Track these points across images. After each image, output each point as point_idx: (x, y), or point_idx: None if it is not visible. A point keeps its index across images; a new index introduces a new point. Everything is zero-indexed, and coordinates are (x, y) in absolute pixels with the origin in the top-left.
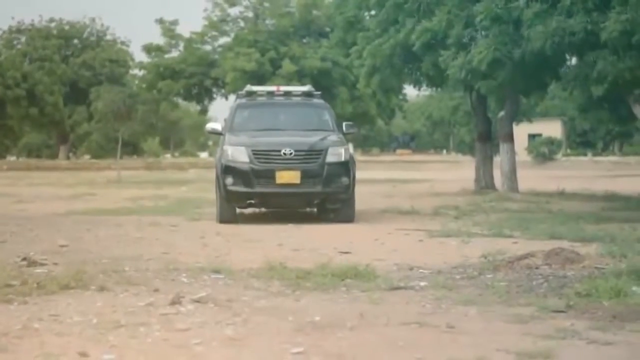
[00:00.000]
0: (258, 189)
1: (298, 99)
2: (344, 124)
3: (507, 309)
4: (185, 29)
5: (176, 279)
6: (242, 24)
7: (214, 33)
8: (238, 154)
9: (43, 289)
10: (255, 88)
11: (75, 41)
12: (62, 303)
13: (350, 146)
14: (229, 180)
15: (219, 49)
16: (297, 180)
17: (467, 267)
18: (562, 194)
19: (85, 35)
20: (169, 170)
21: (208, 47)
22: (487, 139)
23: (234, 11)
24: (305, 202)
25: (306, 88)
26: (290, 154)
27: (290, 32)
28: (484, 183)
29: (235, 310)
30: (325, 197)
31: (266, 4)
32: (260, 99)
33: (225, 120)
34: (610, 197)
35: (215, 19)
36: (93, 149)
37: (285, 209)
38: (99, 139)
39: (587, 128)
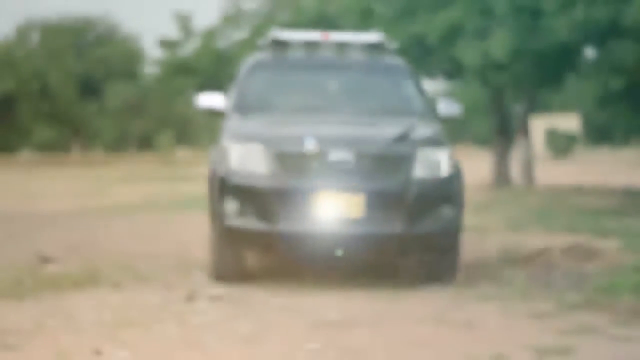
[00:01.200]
0: (283, 227)
1: (360, 56)
2: (440, 101)
3: (526, 304)
4: (199, 24)
5: (190, 276)
6: (256, 20)
7: (229, 28)
8: (248, 157)
9: (56, 286)
10: (286, 35)
11: (89, 36)
12: (75, 300)
13: None
14: (231, 207)
15: (234, 45)
16: (359, 212)
17: (485, 262)
18: (580, 189)
19: (98, 30)
20: (184, 166)
21: (223, 43)
22: (504, 133)
23: (248, 6)
24: (371, 253)
25: (375, 37)
26: (346, 161)
27: (305, 26)
28: (502, 177)
29: (250, 307)
30: (411, 244)
31: None
32: (294, 54)
33: (230, 89)
34: (630, 192)
35: (230, 14)
36: (106, 143)
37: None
38: (112, 134)
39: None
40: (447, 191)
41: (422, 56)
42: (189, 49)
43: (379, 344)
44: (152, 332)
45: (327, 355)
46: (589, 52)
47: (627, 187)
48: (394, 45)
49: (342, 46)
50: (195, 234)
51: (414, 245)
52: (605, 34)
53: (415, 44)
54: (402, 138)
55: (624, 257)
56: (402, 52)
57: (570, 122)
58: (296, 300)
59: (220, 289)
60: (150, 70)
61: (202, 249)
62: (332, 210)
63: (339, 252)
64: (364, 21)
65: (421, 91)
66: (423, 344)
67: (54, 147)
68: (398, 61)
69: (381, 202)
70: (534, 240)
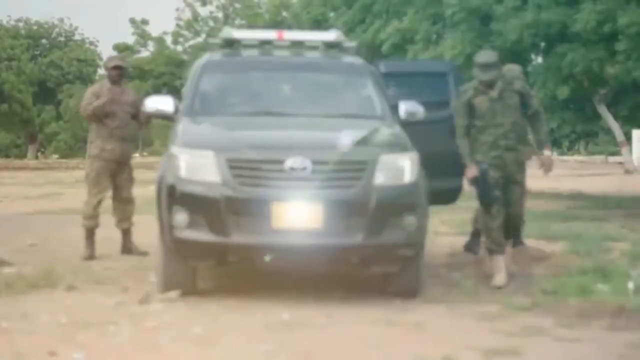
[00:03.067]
0: (237, 239)
1: (317, 55)
2: (401, 103)
3: (474, 306)
4: (155, 29)
5: (146, 278)
6: (212, 24)
7: (185, 32)
8: (199, 165)
9: (11, 288)
10: (239, 33)
11: (44, 41)
12: (30, 302)
13: None
14: (180, 218)
15: (189, 50)
16: (317, 223)
17: (434, 266)
18: (528, 193)
19: (53, 35)
20: (138, 170)
21: (179, 48)
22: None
23: (204, 11)
24: (331, 264)
25: (332, 35)
26: (303, 168)
27: None
28: None
29: (204, 309)
30: (372, 256)
31: (237, 5)
32: (247, 53)
33: (182, 93)
34: (576, 196)
35: (186, 18)
36: (61, 148)
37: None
38: (67, 139)
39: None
40: (411, 199)
41: (376, 64)
42: (145, 53)
43: (331, 345)
44: (107, 334)
45: (280, 356)
46: (539, 59)
47: (574, 191)
48: (352, 43)
49: (298, 44)
50: (149, 237)
51: (375, 256)
52: (555, 39)
53: (368, 51)
54: (363, 143)
55: (570, 261)
56: None
57: None
58: (250, 301)
59: (173, 292)
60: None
61: (157, 252)
62: (289, 220)
63: (267, 259)
64: (317, 29)
65: (383, 92)
66: (373, 345)
67: (10, 152)
68: (358, 61)
69: (340, 211)
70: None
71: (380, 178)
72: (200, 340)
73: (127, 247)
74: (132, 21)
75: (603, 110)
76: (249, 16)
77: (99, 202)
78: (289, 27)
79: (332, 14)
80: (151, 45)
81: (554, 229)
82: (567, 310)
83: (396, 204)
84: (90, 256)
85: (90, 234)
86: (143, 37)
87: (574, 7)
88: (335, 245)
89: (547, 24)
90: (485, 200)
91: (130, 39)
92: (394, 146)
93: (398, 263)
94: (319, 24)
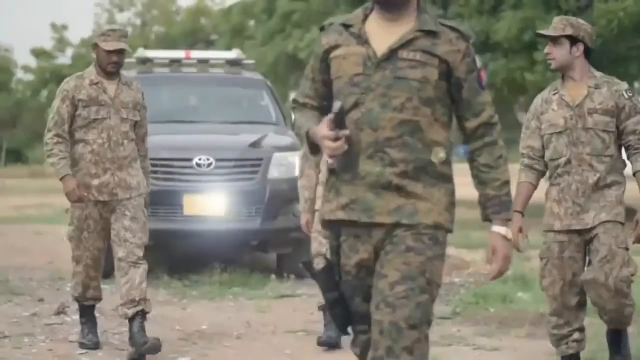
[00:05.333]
0: (153, 225)
1: (220, 71)
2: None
3: None
4: (73, 35)
5: (61, 289)
6: (130, 30)
7: None
8: None
9: None
10: (151, 53)
11: None
12: None
13: None
14: None
15: None
16: (221, 211)
17: None
18: None
19: None
20: (54, 179)
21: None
22: None
23: (121, 18)
24: (233, 246)
25: (233, 54)
26: (208, 164)
27: (177, 40)
28: None
29: (121, 320)
30: (269, 239)
31: (154, 12)
32: (158, 71)
33: None
34: None
35: (103, 23)
36: None
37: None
38: None
39: None
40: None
41: (295, 71)
42: (64, 59)
43: (249, 355)
44: (22, 345)
45: None
46: None
47: None
48: (251, 61)
49: (204, 62)
50: (66, 247)
51: (271, 239)
52: (477, 48)
53: (287, 59)
54: (259, 143)
55: (489, 269)
56: (274, 66)
57: None
58: (168, 311)
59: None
60: (21, 80)
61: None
62: (197, 209)
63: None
64: (235, 38)
65: (277, 103)
66: (292, 355)
67: None
68: (256, 75)
69: (241, 200)
70: None
71: (274, 172)
72: (117, 351)
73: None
74: (53, 25)
75: (523, 117)
76: (166, 23)
77: None
78: (207, 35)
79: (252, 22)
80: (69, 51)
81: (474, 237)
82: (487, 318)
83: (287, 194)
84: None
85: None
86: (62, 42)
87: (495, 16)
88: (238, 230)
89: None
90: None
91: (47, 44)
92: (286, 146)
93: (291, 245)
94: (239, 32)
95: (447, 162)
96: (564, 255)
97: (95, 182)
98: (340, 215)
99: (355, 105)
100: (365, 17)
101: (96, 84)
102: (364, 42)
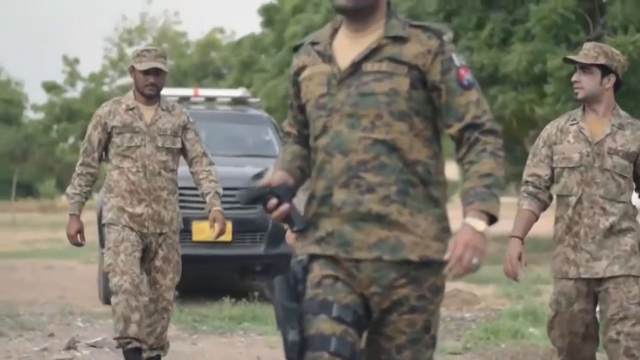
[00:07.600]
0: None
1: (227, 108)
2: None
3: None
4: (84, 69)
5: (72, 324)
6: None
7: (112, 72)
8: None
9: None
10: (162, 91)
11: None
12: None
13: None
14: None
15: (117, 90)
16: (228, 237)
17: None
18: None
19: None
20: (65, 213)
21: (106, 88)
22: None
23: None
24: (238, 270)
25: (239, 92)
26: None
27: (187, 73)
28: None
29: None
30: (273, 263)
31: (165, 45)
32: None
33: None
34: (506, 238)
35: (114, 57)
36: None
37: (208, 279)
38: None
39: None
40: None
41: None
42: (75, 93)
43: None
44: None
45: None
46: None
47: (504, 234)
48: (256, 99)
49: (211, 100)
50: (76, 281)
51: (275, 264)
52: (487, 81)
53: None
54: (262, 175)
55: (501, 304)
56: (285, 99)
57: (449, 171)
58: (179, 346)
59: (100, 337)
60: (33, 115)
61: (83, 297)
62: (205, 234)
63: None
64: (245, 72)
65: (280, 137)
66: None
67: None
68: (260, 112)
69: (246, 227)
70: None
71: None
72: None
73: None
74: (65, 58)
75: None
76: (176, 56)
77: None
78: (217, 69)
79: (262, 56)
80: (80, 85)
81: (485, 272)
82: (498, 354)
83: None
84: None
85: None
86: (73, 75)
87: (504, 49)
88: (243, 255)
89: (479, 67)
90: None
91: (59, 78)
92: None
93: None
94: (248, 66)
95: (435, 183)
96: (573, 309)
97: (129, 210)
98: (313, 249)
99: (324, 130)
100: (335, 31)
101: (132, 109)
102: (329, 60)
